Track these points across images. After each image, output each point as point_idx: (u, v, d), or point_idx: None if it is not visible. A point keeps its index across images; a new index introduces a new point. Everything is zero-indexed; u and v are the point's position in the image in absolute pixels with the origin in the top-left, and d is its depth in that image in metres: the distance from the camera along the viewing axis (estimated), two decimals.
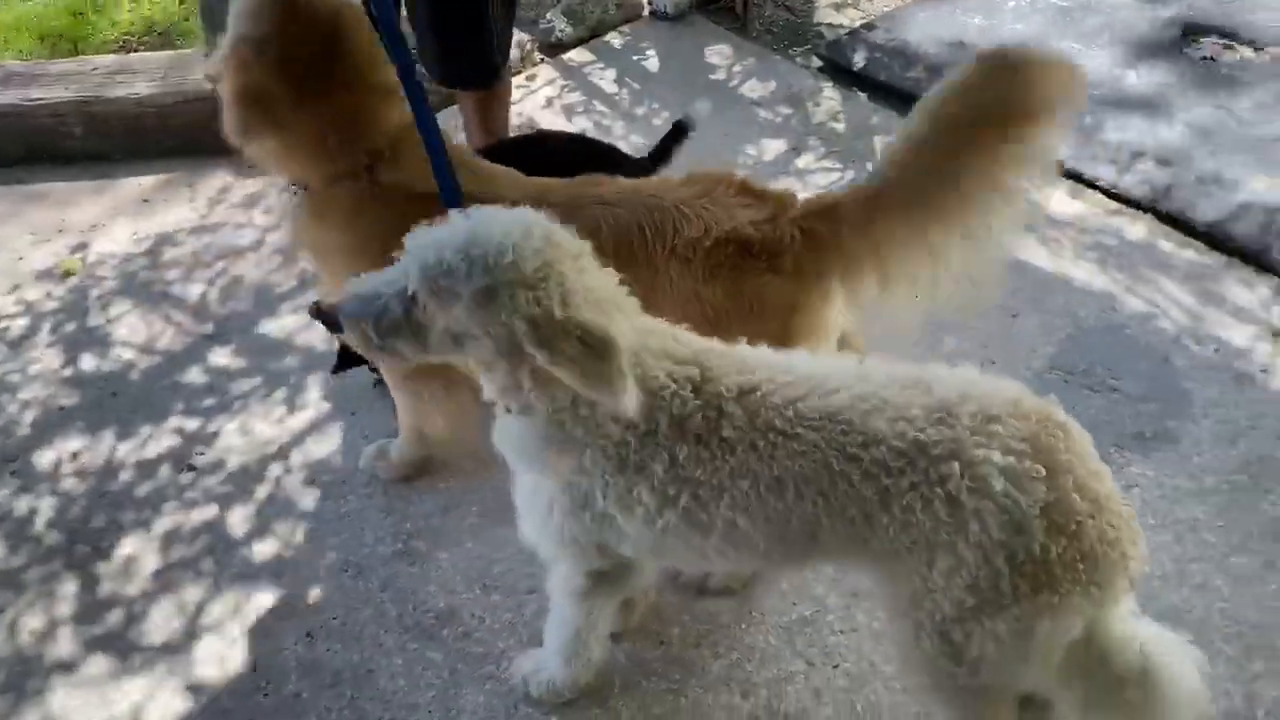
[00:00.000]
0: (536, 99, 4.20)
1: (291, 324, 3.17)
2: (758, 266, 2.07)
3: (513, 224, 1.57)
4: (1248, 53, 4.33)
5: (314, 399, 2.99)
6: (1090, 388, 2.89)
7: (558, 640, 2.12)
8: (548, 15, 4.57)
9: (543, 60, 4.44)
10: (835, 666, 2.26)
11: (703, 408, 1.66)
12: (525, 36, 4.34)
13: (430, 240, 1.57)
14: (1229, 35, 4.42)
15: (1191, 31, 4.46)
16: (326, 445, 2.85)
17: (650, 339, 1.69)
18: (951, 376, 1.69)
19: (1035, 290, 3.23)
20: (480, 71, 3.17)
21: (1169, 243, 3.41)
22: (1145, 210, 3.55)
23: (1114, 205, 3.59)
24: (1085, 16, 4.61)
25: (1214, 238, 3.41)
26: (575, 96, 4.25)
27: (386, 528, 2.62)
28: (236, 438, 2.90)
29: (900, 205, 2.07)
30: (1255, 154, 3.75)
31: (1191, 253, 3.37)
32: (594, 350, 1.53)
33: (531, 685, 2.21)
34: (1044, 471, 1.56)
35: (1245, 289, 3.22)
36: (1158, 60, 4.30)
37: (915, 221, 2.06)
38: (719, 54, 4.49)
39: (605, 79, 4.35)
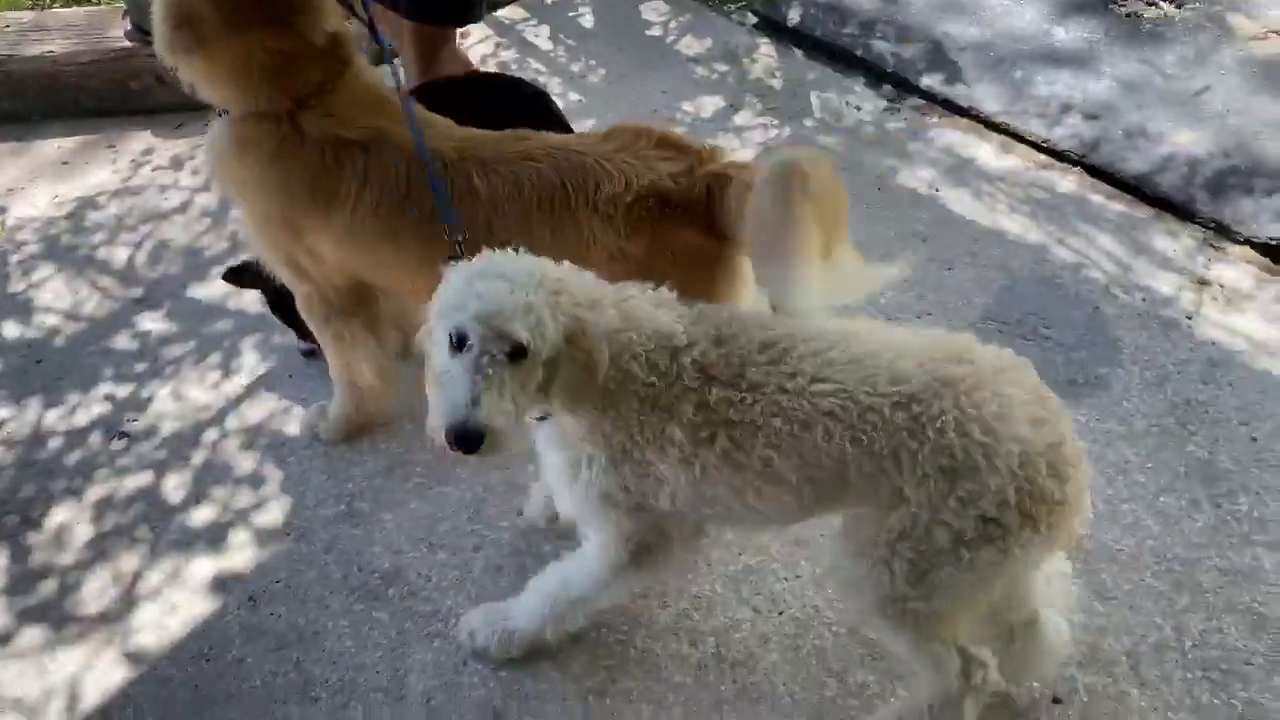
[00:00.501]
0: (470, 57, 4.12)
1: (223, 288, 3.09)
2: (678, 220, 2.07)
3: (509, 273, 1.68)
4: (1170, 9, 4.41)
5: (250, 363, 2.93)
6: (1024, 337, 2.94)
7: (540, 601, 2.12)
8: None
9: None
10: (781, 613, 2.28)
11: (726, 356, 1.77)
12: None
13: (471, 295, 1.65)
14: None
15: None
16: (264, 409, 2.80)
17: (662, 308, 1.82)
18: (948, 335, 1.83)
19: (970, 243, 3.27)
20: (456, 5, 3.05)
21: (1098, 195, 3.48)
22: (1075, 164, 3.61)
23: (1045, 159, 3.65)
24: None
25: (1141, 190, 3.49)
26: (509, 54, 4.19)
27: (328, 490, 2.59)
28: (170, 403, 2.83)
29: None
30: (1179, 108, 3.83)
31: (1120, 205, 3.44)
32: (587, 369, 1.70)
33: (481, 638, 2.19)
34: (1048, 417, 1.71)
35: (1171, 239, 3.30)
36: (1085, 16, 4.37)
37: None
38: (655, 10, 4.46)
39: (539, 36, 4.30)
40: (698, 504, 1.88)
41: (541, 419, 1.89)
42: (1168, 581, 2.33)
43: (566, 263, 1.79)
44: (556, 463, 1.94)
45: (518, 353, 1.63)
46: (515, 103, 2.73)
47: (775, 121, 3.84)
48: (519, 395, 1.66)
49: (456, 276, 1.72)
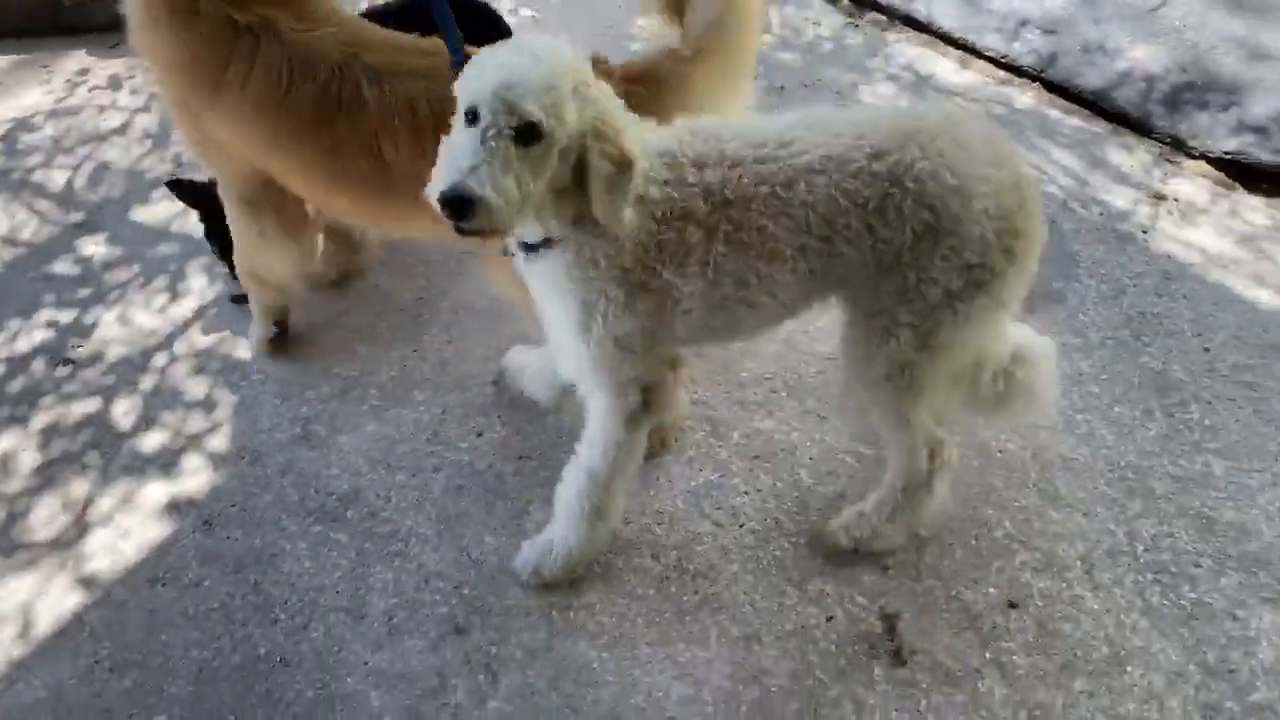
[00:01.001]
0: None
1: (168, 211, 3.01)
2: None
3: (538, 51, 1.63)
4: None
5: (198, 286, 2.86)
6: None
7: (575, 506, 2.09)
8: None
9: None
10: (741, 526, 2.29)
11: (711, 146, 1.80)
12: None
13: (492, 70, 1.59)
14: None
15: None
16: (213, 333, 2.74)
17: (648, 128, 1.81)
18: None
19: None
20: None
21: (1055, 110, 3.48)
22: (1033, 79, 3.59)
23: (1003, 74, 3.63)
24: None
25: (1098, 105, 3.48)
26: None
27: (283, 413, 2.55)
28: (116, 329, 2.76)
29: (709, 63, 2.08)
30: (1135, 22, 3.80)
31: (1077, 120, 3.44)
32: (622, 167, 1.65)
33: (546, 570, 2.16)
34: (1003, 155, 1.82)
35: (1127, 154, 3.31)
36: None
37: (725, 76, 2.11)
38: None
39: None
40: (708, 318, 1.90)
41: (539, 246, 1.81)
42: (1121, 489, 2.37)
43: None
44: (567, 310, 1.88)
45: (529, 132, 1.58)
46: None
47: None
48: (526, 178, 1.60)
49: (486, 50, 1.66)
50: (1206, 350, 2.68)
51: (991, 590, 2.17)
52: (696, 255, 1.80)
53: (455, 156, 1.58)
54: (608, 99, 1.70)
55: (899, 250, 1.80)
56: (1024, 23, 3.79)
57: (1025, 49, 3.67)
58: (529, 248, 1.82)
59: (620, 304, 1.82)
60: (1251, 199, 3.17)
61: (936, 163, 1.74)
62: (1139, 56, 3.64)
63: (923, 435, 2.06)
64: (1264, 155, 3.25)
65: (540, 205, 1.69)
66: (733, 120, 1.96)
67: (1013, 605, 2.15)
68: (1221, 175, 3.24)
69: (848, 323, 2.00)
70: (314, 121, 2.04)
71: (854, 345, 1.99)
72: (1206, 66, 3.61)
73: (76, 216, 3.07)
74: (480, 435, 2.47)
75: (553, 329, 1.97)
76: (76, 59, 3.61)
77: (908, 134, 1.77)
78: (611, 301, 1.82)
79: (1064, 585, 2.18)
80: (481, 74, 1.59)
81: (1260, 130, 3.34)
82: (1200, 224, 3.06)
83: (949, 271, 1.79)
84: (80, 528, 2.32)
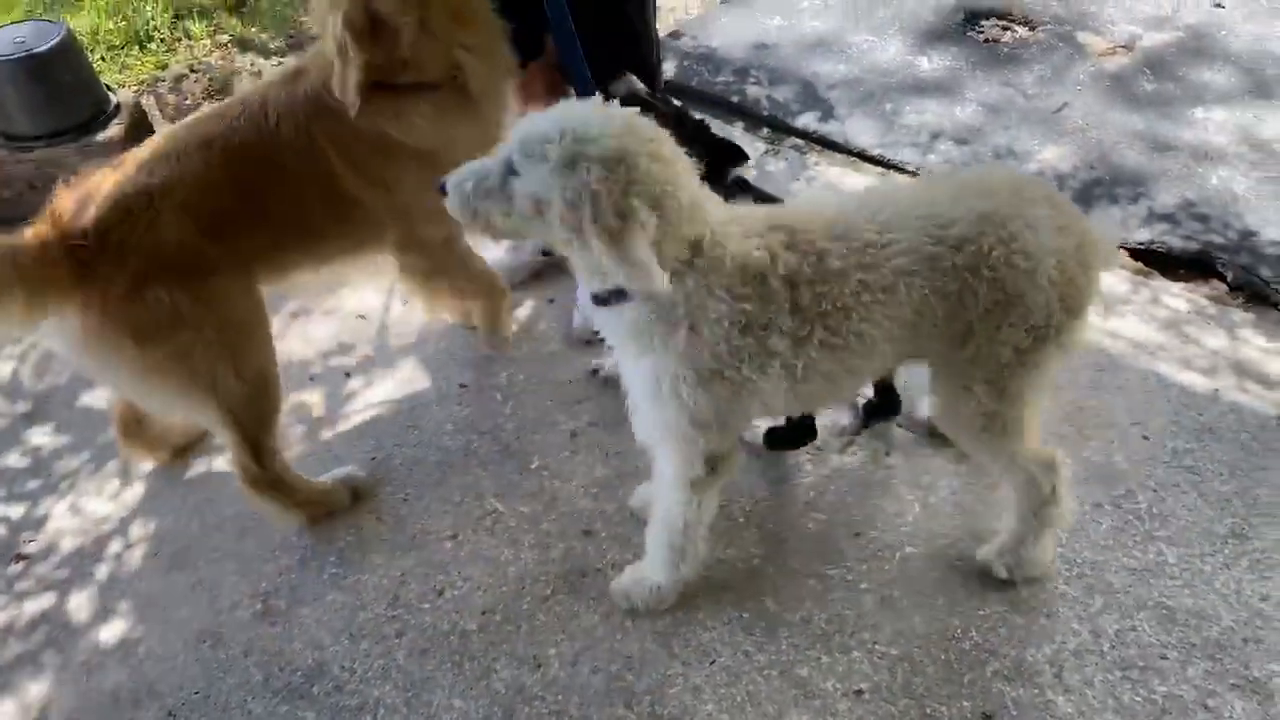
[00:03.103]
0: None
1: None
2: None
3: (600, 113, 1.76)
4: (1024, 31, 4.63)
5: (148, 467, 2.85)
6: None
7: (666, 547, 2.26)
8: None
9: None
10: (712, 663, 2.29)
11: (804, 256, 1.88)
12: None
13: (532, 121, 1.78)
14: (1005, 17, 4.72)
15: (972, 16, 4.74)
16: (167, 514, 2.73)
17: (733, 223, 1.89)
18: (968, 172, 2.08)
19: None
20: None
21: None
22: None
23: None
24: (875, 9, 4.84)
25: None
26: None
27: (242, 590, 2.52)
28: (68, 519, 2.74)
29: None
30: (1041, 126, 4.01)
31: None
32: (618, 232, 1.69)
33: (638, 601, 2.36)
34: (1069, 220, 1.96)
35: None
36: (945, 45, 4.55)
37: None
38: None
39: None
40: (788, 403, 2.05)
41: (608, 299, 1.89)
42: (1080, 586, 2.40)
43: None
44: (641, 372, 1.97)
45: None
46: None
47: None
48: (525, 216, 1.80)
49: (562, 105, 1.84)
50: (1146, 439, 2.75)
51: (965, 704, 2.17)
52: (782, 359, 1.92)
53: (475, 165, 1.85)
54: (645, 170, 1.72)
55: (970, 323, 1.96)
56: (937, 135, 3.96)
57: (940, 159, 3.83)
58: (597, 299, 1.92)
59: (693, 384, 1.92)
60: (1171, 285, 3.29)
61: (1011, 248, 1.88)
62: (1048, 157, 3.83)
63: (1032, 462, 2.21)
64: (1176, 242, 3.40)
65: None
66: (816, 202, 2.15)
67: (988, 718, 2.15)
68: (1139, 265, 3.36)
69: (931, 388, 2.21)
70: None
71: (943, 407, 2.21)
72: (1113, 161, 3.81)
73: (24, 406, 3.06)
74: (441, 594, 2.45)
75: (628, 385, 2.08)
76: None
77: (985, 218, 1.90)
78: (684, 380, 1.92)
79: (1036, 692, 2.19)
80: (532, 126, 1.78)
81: (1169, 218, 3.50)
82: (1125, 314, 3.16)
83: (1017, 333, 1.96)
84: None
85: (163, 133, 2.42)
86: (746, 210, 1.98)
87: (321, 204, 2.43)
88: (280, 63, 4.49)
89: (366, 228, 2.54)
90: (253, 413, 2.39)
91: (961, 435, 2.26)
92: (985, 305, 1.92)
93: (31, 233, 2.15)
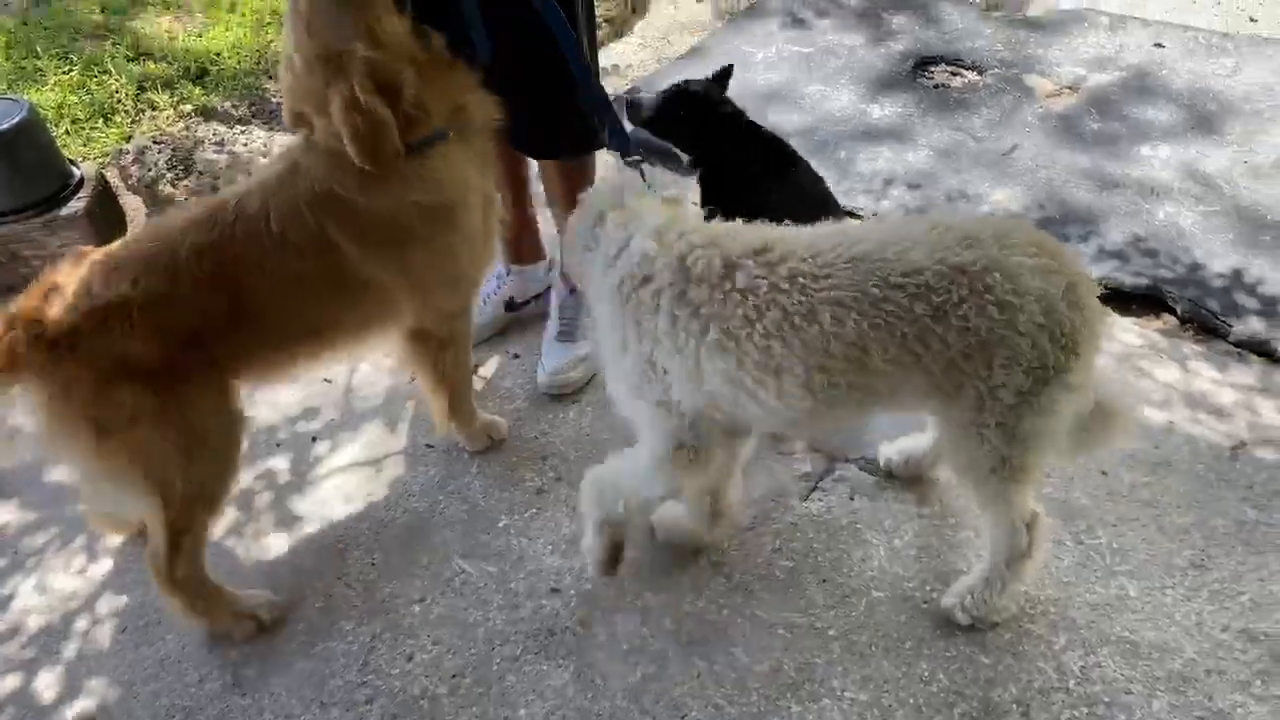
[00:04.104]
0: None
1: None
2: None
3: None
4: (973, 76, 4.74)
5: (115, 542, 2.84)
6: None
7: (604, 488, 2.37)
8: None
9: None
10: (683, 718, 2.29)
11: (724, 265, 2.05)
12: None
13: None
14: (954, 63, 4.84)
15: (922, 63, 4.85)
16: (135, 588, 2.71)
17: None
18: (957, 214, 2.12)
19: None
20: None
21: None
22: None
23: None
24: (827, 60, 4.94)
25: None
26: None
27: (211, 663, 2.51)
28: (35, 597, 2.72)
29: None
30: (992, 168, 4.10)
31: None
32: None
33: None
34: (1056, 264, 1.98)
35: None
36: (896, 92, 4.65)
37: None
38: None
39: None
40: (699, 397, 2.13)
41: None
42: (1044, 624, 2.43)
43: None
44: (614, 364, 2.23)
45: None
46: None
47: None
48: None
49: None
50: (1104, 474, 2.79)
51: None
52: (670, 343, 2.09)
53: None
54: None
55: (952, 361, 2.00)
56: (890, 181, 4.04)
57: (894, 204, 3.91)
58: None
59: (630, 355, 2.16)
60: (1124, 320, 3.36)
61: (982, 299, 1.93)
62: (999, 198, 3.91)
63: (1021, 512, 2.25)
64: (1126, 279, 3.47)
65: None
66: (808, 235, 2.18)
67: None
68: None
69: (940, 434, 2.29)
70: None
71: (952, 451, 2.24)
72: (1063, 200, 3.89)
73: None
74: (411, 659, 2.45)
75: (610, 376, 2.30)
76: None
77: (959, 270, 1.94)
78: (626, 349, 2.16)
79: None
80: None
81: (1119, 255, 3.58)
82: None
83: (1013, 376, 1.99)
84: None
85: (154, 231, 2.31)
86: (731, 226, 2.18)
87: (329, 295, 2.36)
88: (243, 131, 4.54)
89: (377, 309, 2.49)
90: (188, 515, 2.34)
91: (969, 479, 2.26)
92: (960, 350, 1.97)
93: (6, 312, 2.15)
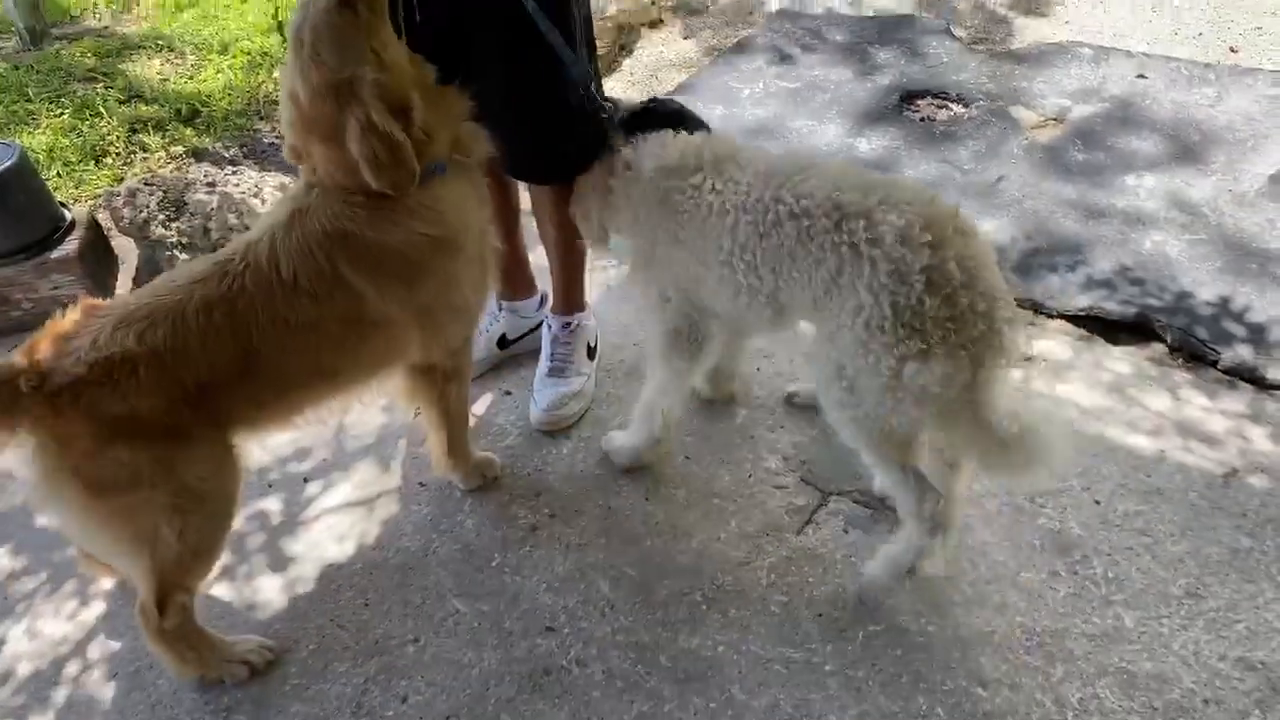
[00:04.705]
0: None
1: None
2: None
3: None
4: (958, 109, 4.79)
5: (107, 584, 2.82)
6: None
7: (639, 417, 2.89)
8: None
9: None
10: None
11: (695, 165, 2.41)
12: None
13: None
14: (940, 96, 4.89)
15: (908, 96, 4.90)
16: (126, 632, 2.69)
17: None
18: (891, 178, 2.30)
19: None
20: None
21: None
22: None
23: None
24: (814, 95, 4.99)
25: None
26: None
27: (204, 708, 2.49)
28: (24, 643, 2.70)
29: None
30: (980, 199, 4.13)
31: None
32: None
33: (614, 457, 3.00)
34: (930, 240, 2.01)
35: None
36: (883, 125, 4.70)
37: None
38: None
39: None
40: (687, 286, 2.52)
41: None
42: (1041, 656, 2.42)
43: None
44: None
45: None
46: None
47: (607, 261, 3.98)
48: None
49: None
50: (1097, 503, 2.80)
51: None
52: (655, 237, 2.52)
53: None
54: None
55: (828, 285, 2.16)
56: None
57: None
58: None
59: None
60: (1113, 349, 3.38)
61: (840, 234, 2.12)
62: (986, 229, 3.94)
63: (903, 461, 2.31)
64: (1114, 307, 3.49)
65: None
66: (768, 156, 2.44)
67: None
68: (1081, 330, 3.45)
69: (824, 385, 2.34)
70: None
71: (825, 391, 2.33)
72: (1050, 230, 3.92)
73: None
74: (405, 700, 2.43)
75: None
76: None
77: (835, 205, 2.16)
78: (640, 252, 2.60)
79: None
80: None
81: (1107, 284, 3.60)
82: (1071, 379, 3.24)
83: (868, 311, 2.09)
84: None
85: (163, 285, 2.25)
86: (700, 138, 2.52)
87: (341, 337, 2.32)
88: (235, 171, 4.56)
89: (386, 346, 2.46)
90: (179, 572, 2.30)
91: (843, 417, 2.32)
92: (831, 272, 2.15)
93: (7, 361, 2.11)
